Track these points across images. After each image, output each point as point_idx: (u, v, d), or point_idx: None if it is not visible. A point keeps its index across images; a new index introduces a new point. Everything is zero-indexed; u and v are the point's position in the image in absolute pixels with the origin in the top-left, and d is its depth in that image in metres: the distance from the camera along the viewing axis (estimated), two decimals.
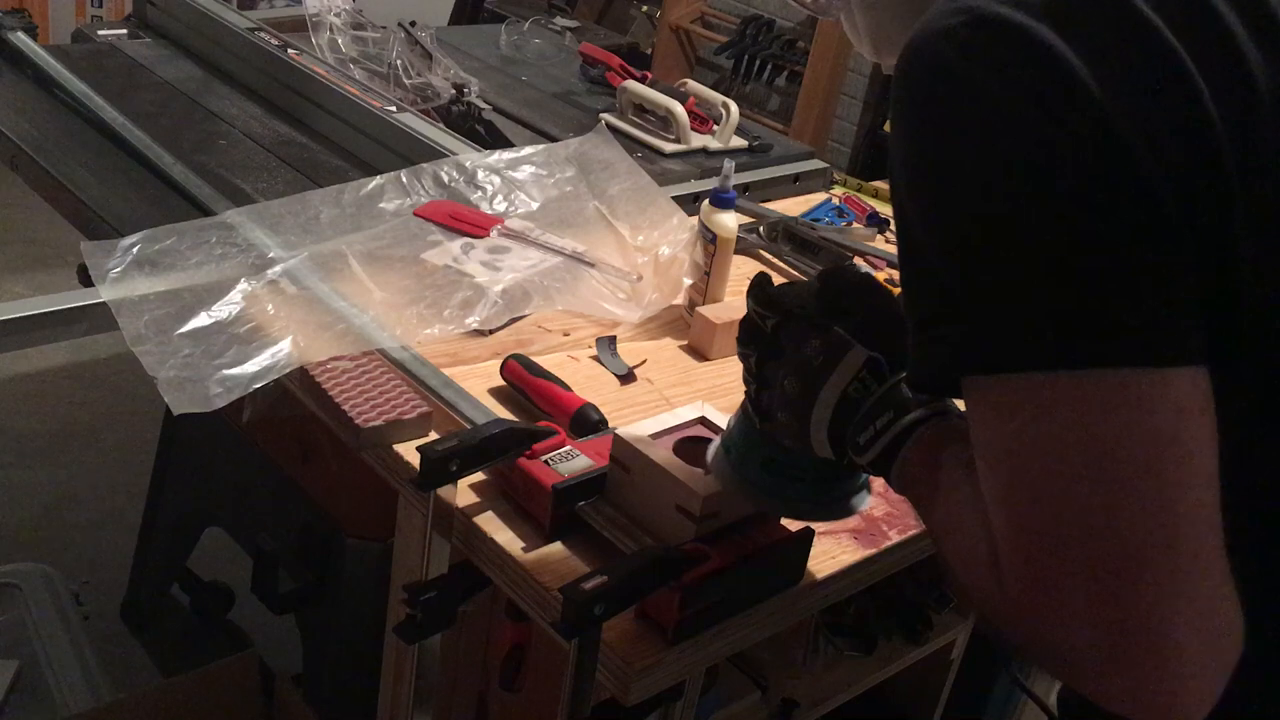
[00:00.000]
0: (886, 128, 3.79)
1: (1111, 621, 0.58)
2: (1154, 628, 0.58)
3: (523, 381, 1.24)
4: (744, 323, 0.93)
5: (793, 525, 1.06)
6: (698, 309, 1.44)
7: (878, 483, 1.22)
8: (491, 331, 1.34)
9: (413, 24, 2.09)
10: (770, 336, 0.90)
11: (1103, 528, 0.59)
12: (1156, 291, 0.60)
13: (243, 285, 1.30)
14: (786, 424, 0.89)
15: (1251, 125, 0.62)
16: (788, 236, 1.70)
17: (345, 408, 1.15)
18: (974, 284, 0.64)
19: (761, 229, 1.72)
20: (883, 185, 2.05)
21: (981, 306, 0.63)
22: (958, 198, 0.64)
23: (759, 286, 0.92)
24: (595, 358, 1.37)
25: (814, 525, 1.04)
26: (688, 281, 1.47)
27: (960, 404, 0.70)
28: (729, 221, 1.45)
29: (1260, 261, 0.63)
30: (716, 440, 1.01)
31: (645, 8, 4.59)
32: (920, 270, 0.68)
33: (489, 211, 1.57)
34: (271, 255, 1.36)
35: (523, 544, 1.05)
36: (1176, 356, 0.60)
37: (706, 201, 1.47)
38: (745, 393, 0.94)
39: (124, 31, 2.14)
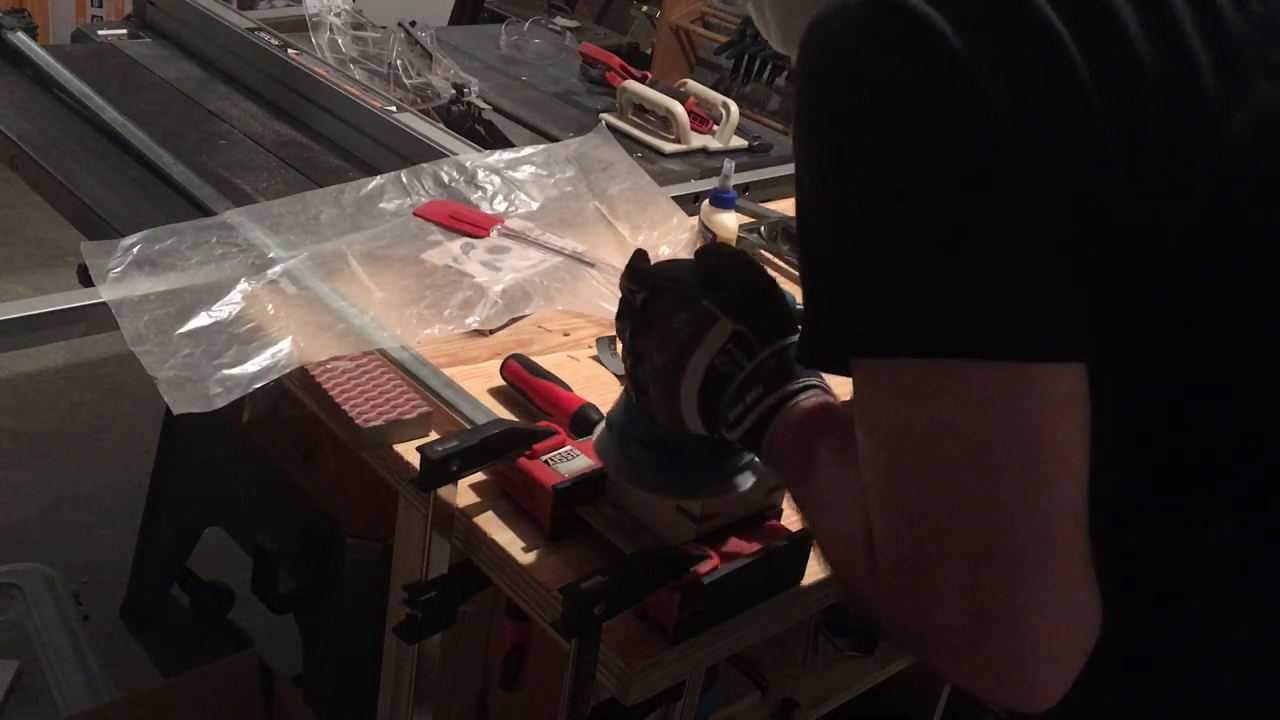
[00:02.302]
0: None
1: (972, 605, 0.60)
2: (1012, 613, 0.60)
3: (523, 381, 1.24)
4: (621, 300, 0.94)
5: (793, 525, 1.06)
6: None
7: None
8: (491, 331, 1.34)
9: (413, 24, 2.09)
10: (641, 310, 0.90)
11: (970, 515, 0.61)
12: (1033, 284, 0.61)
13: (243, 285, 1.30)
14: (657, 397, 0.89)
15: (1137, 110, 0.62)
16: (788, 236, 1.70)
17: (345, 408, 1.15)
18: (856, 265, 0.65)
19: (762, 229, 1.72)
20: None
21: (863, 288, 0.65)
22: (842, 176, 0.66)
23: (632, 263, 0.92)
24: (595, 358, 1.37)
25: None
26: None
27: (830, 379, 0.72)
28: (729, 221, 1.45)
29: (1146, 244, 0.63)
30: (600, 428, 1.01)
31: (645, 8, 4.59)
32: (812, 247, 0.69)
33: (489, 211, 1.57)
34: (271, 255, 1.36)
35: (523, 544, 1.05)
36: (1051, 352, 0.61)
37: (706, 201, 1.47)
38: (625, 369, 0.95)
39: (124, 31, 2.14)
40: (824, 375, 0.83)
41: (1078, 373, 0.62)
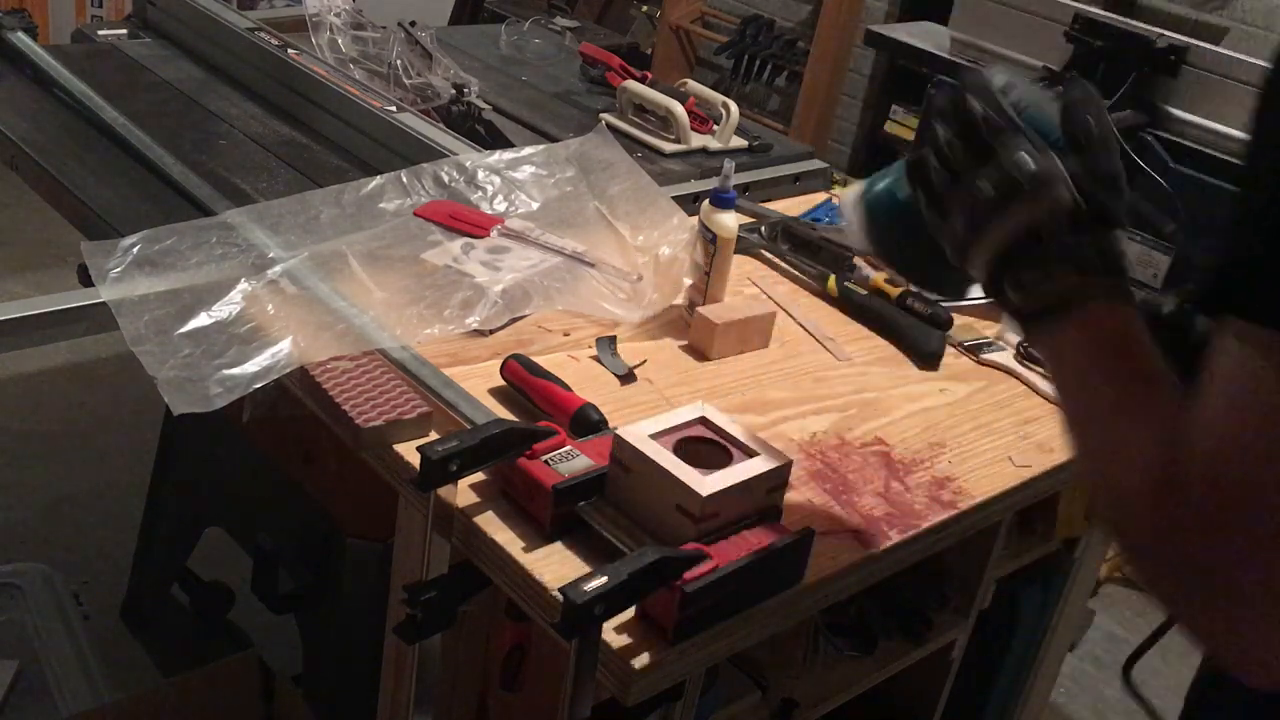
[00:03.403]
0: (887, 128, 3.79)
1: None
2: None
3: (523, 381, 1.24)
4: (957, 107, 0.85)
5: (793, 525, 1.06)
6: (698, 309, 1.44)
7: (874, 485, 1.22)
8: (491, 331, 1.34)
9: (413, 24, 2.09)
10: (984, 141, 0.83)
11: None
12: None
13: (243, 285, 1.30)
14: (956, 228, 0.84)
15: None
16: (788, 236, 1.70)
17: (345, 408, 1.15)
18: None
19: (762, 229, 1.72)
20: None
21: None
22: None
23: (986, 88, 0.85)
24: (595, 358, 1.37)
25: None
26: (688, 281, 1.47)
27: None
28: (729, 221, 1.44)
29: None
30: (856, 186, 1.00)
31: (645, 8, 4.59)
32: (1258, 203, 0.68)
33: (489, 211, 1.57)
34: (271, 255, 1.36)
35: (523, 544, 1.05)
36: None
37: (706, 201, 1.47)
38: (916, 162, 0.88)
39: (124, 31, 2.14)
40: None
41: None
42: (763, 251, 1.72)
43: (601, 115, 2.05)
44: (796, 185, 2.00)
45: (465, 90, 1.94)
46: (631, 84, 2.06)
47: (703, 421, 1.11)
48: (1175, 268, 1.96)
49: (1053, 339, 0.80)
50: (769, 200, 1.91)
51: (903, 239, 0.96)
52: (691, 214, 1.58)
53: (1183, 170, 2.01)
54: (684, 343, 1.44)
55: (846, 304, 1.59)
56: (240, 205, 1.48)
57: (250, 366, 1.19)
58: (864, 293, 1.59)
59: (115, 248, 1.34)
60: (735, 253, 1.48)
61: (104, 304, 1.26)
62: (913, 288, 1.59)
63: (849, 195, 1.02)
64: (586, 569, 1.02)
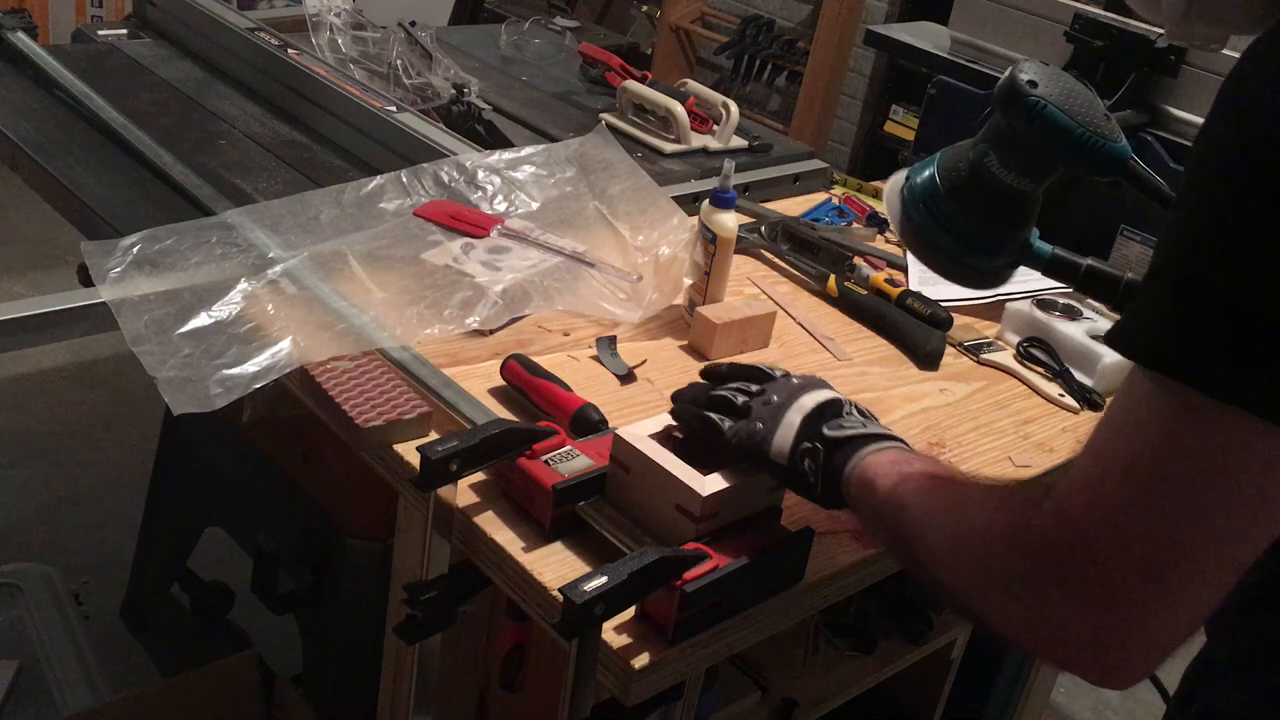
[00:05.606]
0: (887, 128, 3.80)
1: (1120, 592, 0.66)
2: (1149, 608, 0.67)
3: (523, 381, 1.24)
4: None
5: (793, 525, 1.06)
6: (698, 309, 1.44)
7: None
8: (491, 331, 1.34)
9: (413, 24, 2.08)
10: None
11: (1170, 529, 0.66)
12: None
13: (243, 285, 1.30)
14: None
15: None
16: (788, 236, 1.70)
17: (345, 408, 1.15)
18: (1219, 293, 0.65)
19: (762, 229, 1.72)
20: (882, 185, 2.04)
21: (1194, 315, 0.65)
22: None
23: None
24: (595, 358, 1.37)
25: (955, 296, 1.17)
26: (688, 281, 1.47)
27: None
28: (729, 221, 1.44)
29: None
30: (901, 174, 1.09)
31: (645, 8, 4.60)
32: (1191, 257, 0.68)
33: (489, 211, 1.57)
34: (271, 255, 1.36)
35: (523, 544, 1.05)
36: None
37: (706, 201, 1.46)
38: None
39: (124, 31, 2.14)
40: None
41: None
42: (763, 251, 1.72)
43: (601, 115, 2.05)
44: (796, 185, 2.00)
45: (465, 90, 1.94)
46: (631, 84, 2.06)
47: None
48: None
49: (877, 462, 0.95)
50: (769, 200, 1.91)
51: (937, 230, 1.05)
52: (691, 214, 1.58)
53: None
54: (684, 343, 1.44)
55: (846, 304, 1.59)
56: (240, 205, 1.48)
57: (250, 366, 1.19)
58: (864, 293, 1.59)
59: (115, 248, 1.34)
60: (735, 253, 1.48)
61: (104, 304, 1.26)
62: (913, 287, 1.59)
63: (890, 185, 1.07)
64: (586, 569, 1.02)
